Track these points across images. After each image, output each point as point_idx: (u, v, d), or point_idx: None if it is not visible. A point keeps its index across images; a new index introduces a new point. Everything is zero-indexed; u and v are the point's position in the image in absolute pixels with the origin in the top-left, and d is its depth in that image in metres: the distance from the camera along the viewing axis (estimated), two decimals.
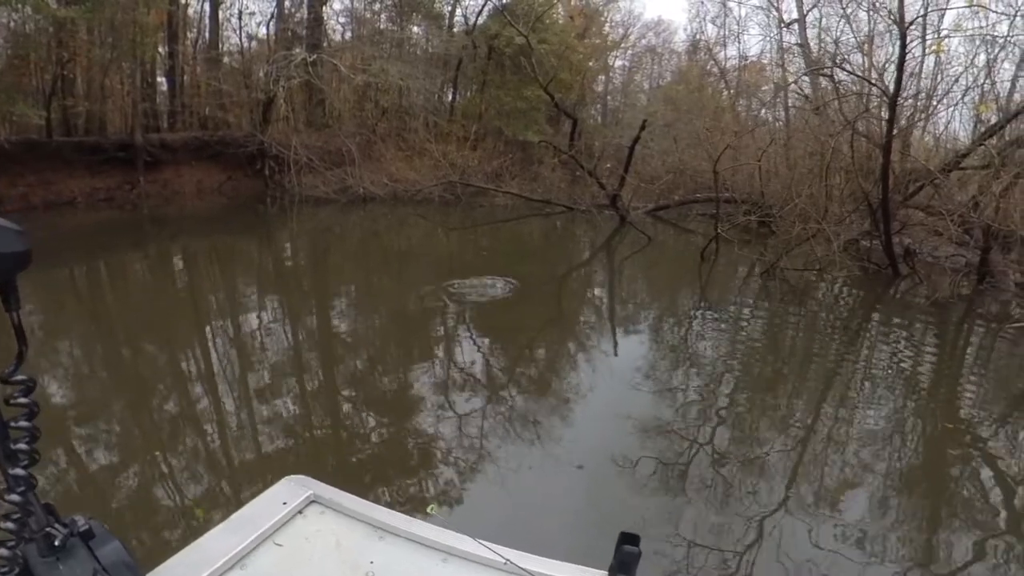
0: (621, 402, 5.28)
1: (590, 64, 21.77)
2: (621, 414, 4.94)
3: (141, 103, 14.99)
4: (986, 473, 4.54)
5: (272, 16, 17.76)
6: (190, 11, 17.30)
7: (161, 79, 17.22)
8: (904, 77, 9.21)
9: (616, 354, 6.82)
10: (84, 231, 12.78)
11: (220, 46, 17.85)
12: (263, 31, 18.54)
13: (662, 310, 9.12)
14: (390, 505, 1.56)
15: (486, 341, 7.01)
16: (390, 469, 4.14)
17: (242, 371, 5.85)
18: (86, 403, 5.07)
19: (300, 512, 1.48)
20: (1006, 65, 12.22)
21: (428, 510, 1.34)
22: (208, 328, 7.27)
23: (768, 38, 19.42)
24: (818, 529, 3.56)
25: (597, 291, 10.16)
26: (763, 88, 20.06)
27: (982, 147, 10.02)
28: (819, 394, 6.00)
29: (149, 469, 3.97)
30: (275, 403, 5.03)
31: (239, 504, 1.51)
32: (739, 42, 21.83)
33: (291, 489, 1.53)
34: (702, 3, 21.40)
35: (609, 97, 24.34)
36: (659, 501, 3.82)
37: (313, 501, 1.52)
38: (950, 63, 12.81)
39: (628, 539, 1.24)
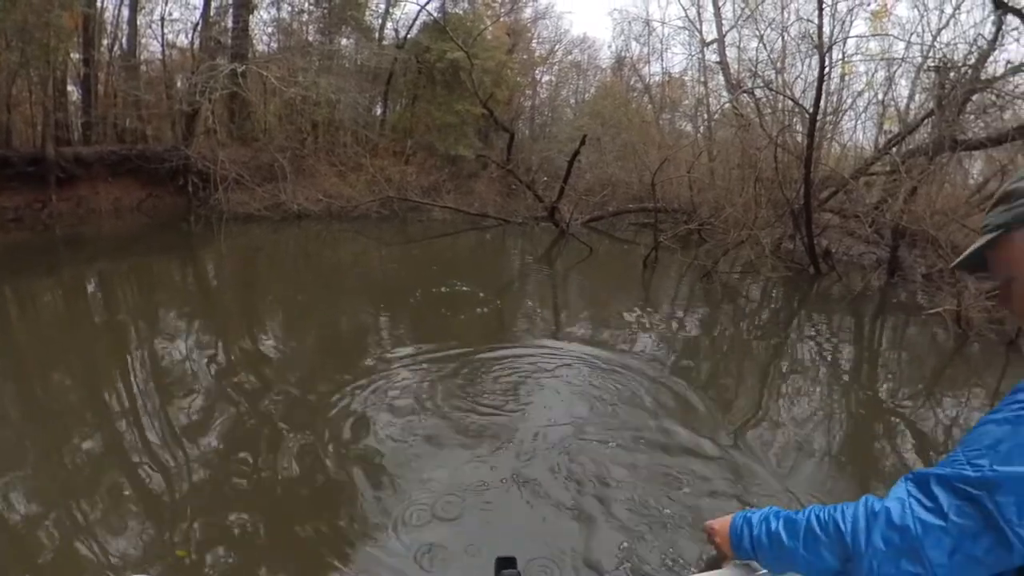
0: (563, 408, 5.08)
1: (518, 80, 22.30)
2: (560, 421, 4.76)
3: (53, 113, 13.83)
4: (908, 438, 5.18)
5: (197, 25, 16.94)
6: (106, 15, 16.15)
7: (72, 88, 15.93)
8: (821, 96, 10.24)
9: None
10: None
11: (138, 54, 16.79)
12: (184, 39, 17.66)
13: (613, 312, 9.51)
14: None
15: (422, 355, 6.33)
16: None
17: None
18: None
19: None
20: (903, 82, 14.00)
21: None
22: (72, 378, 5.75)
23: (690, 56, 20.73)
24: (763, 501, 3.79)
25: (554, 296, 10.47)
26: (684, 102, 21.39)
27: (887, 155, 11.33)
28: (757, 382, 6.49)
29: None
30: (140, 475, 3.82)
31: None
32: (662, 59, 23.19)
33: None
34: (627, 22, 22.57)
35: (535, 112, 24.96)
36: (602, 500, 3.79)
37: None
38: (853, 80, 14.44)
39: (505, 563, 1.20)
